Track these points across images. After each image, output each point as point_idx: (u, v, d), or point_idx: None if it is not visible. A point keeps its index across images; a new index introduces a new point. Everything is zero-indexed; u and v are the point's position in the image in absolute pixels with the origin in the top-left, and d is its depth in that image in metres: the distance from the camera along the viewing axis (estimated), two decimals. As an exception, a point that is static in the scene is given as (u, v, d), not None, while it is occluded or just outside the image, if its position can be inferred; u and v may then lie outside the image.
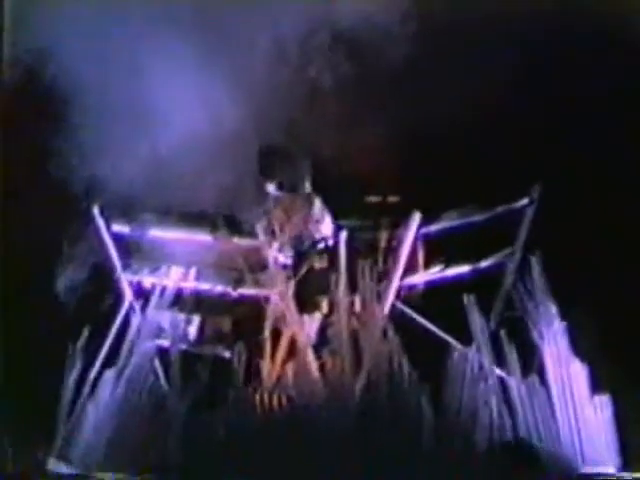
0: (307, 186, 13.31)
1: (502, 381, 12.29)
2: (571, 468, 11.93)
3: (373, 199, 13.49)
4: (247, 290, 13.33)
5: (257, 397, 12.70)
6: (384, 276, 13.07)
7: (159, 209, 13.23)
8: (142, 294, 13.51)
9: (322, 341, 13.07)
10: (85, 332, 12.60)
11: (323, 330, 13.14)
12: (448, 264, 13.18)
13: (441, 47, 12.65)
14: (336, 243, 13.07)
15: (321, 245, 13.24)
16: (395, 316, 12.91)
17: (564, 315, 12.35)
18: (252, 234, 13.07)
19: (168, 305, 13.29)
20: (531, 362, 12.34)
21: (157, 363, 13.08)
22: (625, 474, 11.86)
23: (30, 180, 12.62)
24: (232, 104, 12.61)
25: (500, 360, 12.33)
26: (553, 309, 12.39)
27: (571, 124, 12.72)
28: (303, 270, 13.22)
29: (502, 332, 12.34)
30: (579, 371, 12.20)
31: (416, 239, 12.86)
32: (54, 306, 12.86)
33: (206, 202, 12.97)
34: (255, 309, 13.34)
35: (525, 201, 12.92)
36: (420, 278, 13.29)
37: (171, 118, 12.65)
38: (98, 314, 13.14)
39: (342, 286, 12.79)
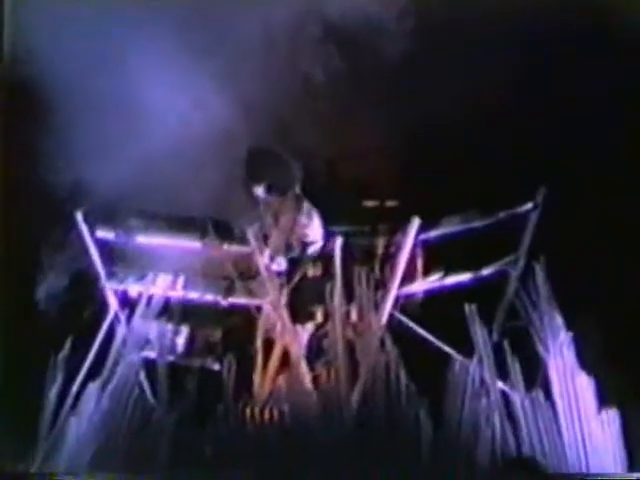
0: (297, 189, 12.95)
1: (505, 395, 11.95)
2: (578, 486, 11.74)
3: (370, 203, 13.29)
4: (238, 299, 13.05)
5: (248, 411, 12.40)
6: (381, 284, 12.82)
7: (146, 214, 12.97)
8: (127, 303, 13.21)
9: (316, 352, 12.85)
10: (68, 343, 12.23)
11: (317, 341, 12.90)
12: (448, 272, 12.96)
13: (440, 44, 12.46)
14: (331, 250, 12.84)
15: (310, 249, 12.97)
16: (393, 326, 12.66)
17: (570, 325, 12.05)
18: (243, 240, 12.73)
19: (155, 315, 12.96)
20: (535, 375, 12.04)
21: (143, 376, 12.72)
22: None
23: (10, 183, 12.22)
24: (222, 105, 12.39)
25: (503, 373, 12.00)
26: (558, 319, 12.08)
27: (577, 125, 12.55)
28: (296, 278, 12.97)
29: (505, 343, 12.02)
30: (586, 384, 11.86)
31: (415, 245, 12.55)
32: (34, 315, 12.70)
33: (195, 207, 12.73)
34: (246, 319, 13.12)
35: (529, 206, 12.69)
36: (419, 286, 13.06)
37: (159, 120, 12.39)
38: (81, 324, 12.91)
39: (337, 295, 12.52)
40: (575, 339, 12.02)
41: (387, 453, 11.50)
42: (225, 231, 12.91)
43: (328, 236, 13.05)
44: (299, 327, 12.87)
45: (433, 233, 12.57)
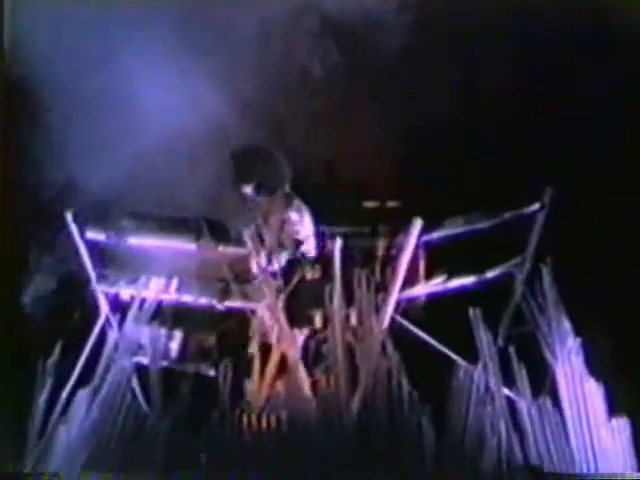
0: (287, 187, 12.73)
1: (511, 402, 11.81)
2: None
3: (370, 204, 13.11)
4: (234, 303, 12.82)
5: (244, 418, 12.28)
6: (382, 287, 12.61)
7: (138, 215, 12.76)
8: (119, 307, 13.00)
9: (315, 357, 12.65)
10: (57, 348, 12.10)
11: (316, 345, 12.69)
12: (452, 275, 12.76)
13: (440, 38, 12.44)
14: (330, 251, 12.60)
15: (303, 247, 12.78)
16: (394, 331, 12.48)
17: (578, 331, 11.92)
18: (239, 242, 12.56)
19: (147, 319, 12.79)
20: (542, 381, 11.88)
21: (135, 382, 12.62)
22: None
23: (-2, 182, 12.25)
24: (216, 102, 12.31)
25: (508, 379, 11.85)
26: (566, 324, 11.94)
27: (585, 122, 12.45)
28: (294, 281, 12.73)
29: (511, 349, 11.87)
30: (595, 391, 11.70)
31: (417, 247, 12.32)
32: (21, 319, 12.58)
33: (189, 207, 12.60)
34: (242, 323, 12.97)
35: (535, 206, 12.49)
36: (421, 290, 12.85)
37: (152, 119, 12.28)
38: (71, 329, 12.77)
39: (337, 298, 12.36)
40: (584, 344, 11.88)
41: (388, 462, 11.38)
42: (220, 232, 12.73)
43: (327, 237, 12.85)
44: (297, 331, 12.64)
45: (436, 234, 12.39)
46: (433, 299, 12.95)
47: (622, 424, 11.63)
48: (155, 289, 13.04)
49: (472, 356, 12.03)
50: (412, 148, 12.54)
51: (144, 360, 12.73)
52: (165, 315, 13.10)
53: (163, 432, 11.93)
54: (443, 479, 11.46)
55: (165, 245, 12.87)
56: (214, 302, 12.90)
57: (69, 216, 12.50)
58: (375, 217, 13.01)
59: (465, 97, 12.32)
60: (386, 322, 12.50)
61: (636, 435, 11.59)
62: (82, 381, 12.32)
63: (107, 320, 13.03)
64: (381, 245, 12.83)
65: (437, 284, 12.85)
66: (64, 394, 12.19)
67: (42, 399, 11.98)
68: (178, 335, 13.28)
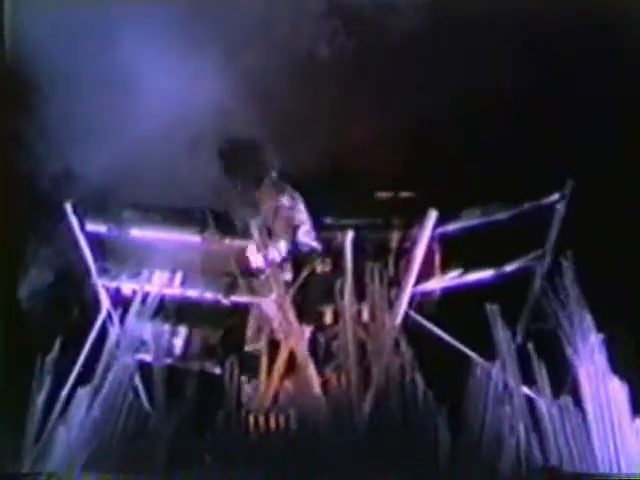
0: (273, 175, 12.63)
1: (530, 401, 11.58)
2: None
3: (383, 195, 12.93)
4: (240, 297, 12.66)
5: (251, 418, 12.12)
6: (395, 281, 12.47)
7: (140, 206, 12.67)
8: (121, 302, 12.88)
9: (325, 355, 12.47)
10: (56, 345, 11.88)
11: (326, 342, 12.52)
12: (468, 268, 12.57)
13: (457, 19, 12.28)
14: (341, 244, 12.45)
15: (300, 231, 12.57)
16: (408, 327, 12.31)
17: (601, 327, 11.63)
18: (246, 234, 12.38)
19: (150, 315, 12.62)
20: (563, 380, 11.64)
21: (138, 380, 12.52)
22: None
23: (-7, 172, 12.11)
24: (220, 87, 12.17)
25: (528, 378, 11.62)
26: (589, 320, 11.64)
27: (607, 109, 12.28)
28: (303, 274, 12.58)
29: (530, 346, 11.59)
30: (618, 390, 11.40)
31: (432, 240, 12.16)
32: (17, 314, 12.45)
33: (193, 198, 12.54)
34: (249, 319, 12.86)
35: (556, 197, 12.35)
36: (436, 284, 12.68)
37: (154, 104, 12.22)
38: (71, 324, 12.67)
39: (348, 293, 12.18)
40: (607, 341, 11.62)
41: (402, 463, 11.19)
42: (226, 224, 12.62)
43: (337, 230, 12.70)
44: (306, 327, 12.46)
45: (452, 226, 12.23)
46: (449, 294, 12.77)
47: (647, 424, 11.62)
48: (158, 283, 12.90)
49: (489, 353, 11.80)
50: (426, 135, 12.35)
51: (147, 357, 12.60)
52: (169, 310, 12.99)
53: (166, 432, 11.79)
54: (459, 480, 11.45)
55: (168, 237, 12.75)
56: (220, 297, 12.74)
57: (68, 207, 12.39)
58: (388, 208, 12.86)
59: (482, 83, 12.09)
60: (399, 318, 12.32)
61: (662, 436, 11.51)
62: (82, 379, 12.18)
63: (108, 316, 12.92)
64: (394, 237, 12.70)
65: (453, 278, 12.69)
66: (63, 393, 12.05)
67: (40, 398, 11.78)
68: (182, 331, 13.19)
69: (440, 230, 12.16)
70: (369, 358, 12.11)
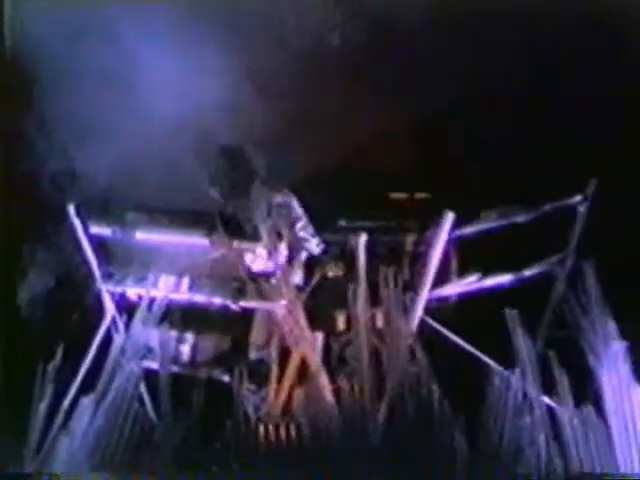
0: (259, 180, 12.69)
1: (551, 412, 11.43)
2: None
3: (397, 196, 12.87)
4: (249, 303, 12.69)
5: (261, 428, 12.06)
6: (411, 286, 12.49)
7: (146, 208, 12.71)
8: (126, 307, 12.92)
9: (338, 362, 12.47)
10: (59, 352, 11.85)
11: (339, 349, 12.53)
12: (486, 272, 12.52)
13: (474, 13, 12.18)
14: (354, 248, 12.43)
15: (298, 226, 12.68)
16: (424, 333, 12.30)
17: (625, 334, 11.50)
18: (255, 237, 12.48)
19: (157, 321, 12.61)
20: (586, 389, 11.53)
21: (143, 388, 12.50)
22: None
23: (-6, 173, 12.15)
24: (227, 86, 12.17)
25: (548, 387, 11.50)
26: (612, 326, 11.53)
27: (632, 108, 12.16)
28: (315, 279, 12.63)
29: (551, 353, 11.52)
30: (643, 400, 11.56)
31: (448, 243, 12.14)
32: (18, 321, 12.43)
33: (201, 200, 12.52)
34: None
35: (578, 198, 12.24)
36: (453, 289, 12.66)
37: (159, 103, 12.20)
38: (74, 331, 12.61)
39: (361, 298, 12.22)
40: (631, 349, 11.48)
41: (417, 475, 11.13)
42: (235, 226, 12.63)
43: (350, 232, 12.66)
44: (318, 334, 12.51)
45: (469, 229, 12.17)
46: (466, 299, 12.73)
47: (673, 435, 11.46)
48: (165, 288, 12.92)
49: (509, 361, 11.71)
50: (443, 134, 12.38)
51: (153, 365, 12.60)
52: (175, 316, 12.99)
53: (173, 443, 11.71)
54: (477, 495, 11.34)
55: (175, 240, 12.78)
56: (228, 302, 12.76)
57: (71, 209, 12.39)
58: (402, 210, 12.82)
59: (502, 78, 12.03)
60: (415, 324, 12.35)
61: (687, 448, 11.36)
62: (85, 387, 12.11)
63: (113, 322, 12.96)
64: (409, 240, 12.67)
65: (470, 283, 12.63)
66: (66, 401, 12.02)
67: (42, 407, 11.74)
68: (189, 338, 13.22)
69: (457, 233, 12.09)
70: (383, 365, 12.06)
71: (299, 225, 12.63)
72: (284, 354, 12.53)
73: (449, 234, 12.03)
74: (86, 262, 12.77)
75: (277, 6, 12.42)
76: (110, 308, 12.99)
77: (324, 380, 12.21)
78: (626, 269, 11.82)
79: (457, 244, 12.36)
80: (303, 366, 12.39)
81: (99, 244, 12.76)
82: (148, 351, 12.67)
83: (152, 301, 12.71)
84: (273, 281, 12.47)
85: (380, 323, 12.37)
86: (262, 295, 12.61)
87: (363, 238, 12.33)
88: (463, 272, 12.62)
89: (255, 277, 12.60)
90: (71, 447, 11.61)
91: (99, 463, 11.60)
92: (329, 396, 12.13)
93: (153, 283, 12.94)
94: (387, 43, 12.44)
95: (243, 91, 12.18)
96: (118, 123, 12.15)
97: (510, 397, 11.56)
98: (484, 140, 12.30)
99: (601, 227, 12.13)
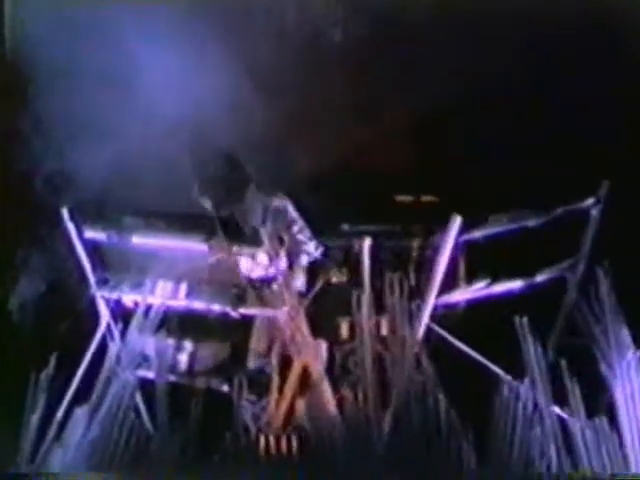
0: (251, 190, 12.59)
1: (562, 423, 11.34)
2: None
3: (402, 199, 12.77)
4: (250, 310, 12.59)
5: (262, 439, 12.03)
6: (417, 293, 12.37)
7: (142, 211, 12.62)
8: (121, 314, 12.83)
9: (341, 371, 12.35)
10: (51, 361, 11.73)
11: (343, 358, 12.40)
12: (495, 278, 12.38)
13: (475, 11, 12.12)
14: (358, 253, 12.36)
15: (295, 229, 12.56)
16: (430, 341, 12.20)
17: (639, 342, 11.51)
18: (256, 241, 12.37)
19: (153, 328, 12.53)
20: (598, 400, 11.46)
21: (139, 398, 12.42)
22: None
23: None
24: (226, 84, 12.00)
25: (560, 397, 11.39)
26: (626, 335, 11.49)
27: None
28: (318, 285, 12.50)
29: (562, 362, 11.34)
30: (658, 411, 11.43)
31: (456, 247, 12.02)
32: (9, 327, 12.31)
33: (199, 203, 12.33)
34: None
35: (590, 200, 12.13)
36: (461, 295, 12.53)
37: (157, 102, 12.05)
38: (67, 339, 12.44)
39: (365, 305, 12.14)
40: None
41: None
42: (234, 231, 12.52)
43: (353, 237, 12.58)
44: (321, 342, 12.39)
45: (477, 233, 12.06)
46: (474, 306, 12.59)
47: (688, 448, 11.33)
48: (162, 294, 12.83)
49: (518, 370, 11.60)
50: (450, 134, 12.29)
51: (149, 374, 12.48)
52: (173, 324, 12.87)
53: (170, 455, 11.62)
54: (486, 509, 11.20)
55: (173, 245, 12.69)
56: (228, 309, 12.65)
57: (65, 212, 12.33)
58: (408, 213, 12.71)
59: (511, 81, 11.98)
60: (421, 332, 12.23)
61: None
62: (79, 397, 12.07)
63: (108, 329, 12.84)
64: (415, 245, 12.56)
65: (479, 289, 12.51)
66: (59, 412, 11.95)
67: (35, 417, 11.64)
68: (187, 346, 13.11)
69: (465, 237, 11.99)
70: (388, 375, 11.98)
71: (295, 228, 12.54)
72: (285, 363, 12.42)
73: (457, 238, 11.92)
74: (80, 267, 12.67)
75: (278, 1, 12.37)
76: (105, 315, 12.88)
77: (327, 390, 12.11)
78: (641, 275, 11.82)
79: (465, 249, 12.25)
80: (305, 375, 12.28)
81: (94, 249, 12.67)
82: (144, 360, 12.56)
83: (149, 308, 12.61)
84: (274, 287, 12.38)
85: (385, 330, 12.26)
86: (263, 301, 12.52)
87: (367, 242, 12.25)
88: (471, 278, 12.51)
89: (256, 283, 12.51)
90: (65, 459, 11.56)
91: (94, 476, 11.54)
92: (332, 406, 12.05)
93: (150, 289, 12.80)
94: (389, 39, 12.33)
95: (243, 89, 12.05)
96: (115, 124, 12.00)
97: (520, 407, 11.46)
98: (493, 141, 12.16)
99: (614, 231, 12.00)
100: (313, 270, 12.63)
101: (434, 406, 11.52)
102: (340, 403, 12.12)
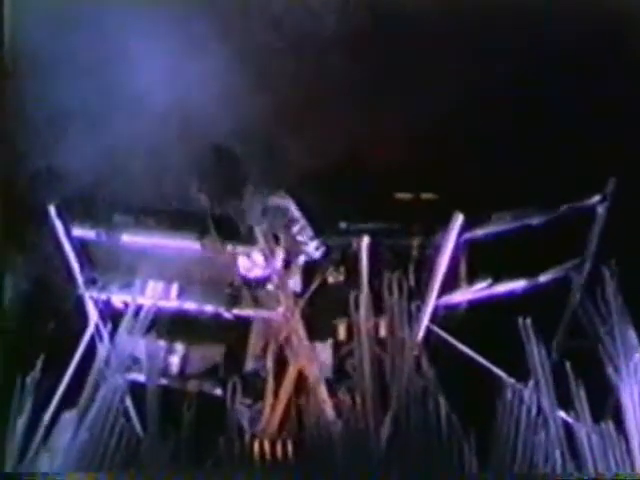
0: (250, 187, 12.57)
1: (567, 427, 11.27)
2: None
3: (402, 196, 12.67)
4: (244, 311, 12.51)
5: (256, 445, 11.89)
6: (417, 293, 12.29)
7: (132, 208, 12.51)
8: (111, 315, 12.72)
9: (339, 374, 12.25)
10: (38, 364, 11.62)
11: (340, 361, 12.31)
12: (498, 278, 12.30)
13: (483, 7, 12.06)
14: (356, 252, 12.30)
15: (295, 228, 12.51)
16: (430, 343, 12.13)
17: None
18: (250, 240, 12.26)
19: (144, 330, 12.44)
20: (605, 403, 11.44)
21: (129, 402, 12.28)
22: None
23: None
24: (220, 76, 12.02)
25: (565, 400, 11.33)
26: (632, 336, 11.45)
27: None
28: (314, 285, 12.42)
29: (567, 365, 11.29)
30: (666, 415, 11.38)
31: (457, 247, 11.91)
32: None
33: (192, 200, 12.38)
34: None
35: (596, 198, 12.01)
36: (462, 296, 12.44)
37: (147, 95, 12.09)
38: (54, 341, 12.36)
39: (364, 305, 12.07)
40: None
41: None
42: (228, 229, 12.43)
43: (351, 235, 12.51)
44: (318, 344, 12.33)
45: (479, 232, 11.95)
46: (476, 307, 12.51)
47: (697, 453, 11.28)
48: (152, 295, 12.74)
49: (522, 373, 11.58)
50: (451, 130, 12.17)
51: (139, 377, 12.41)
52: (164, 325, 12.75)
53: (161, 460, 11.50)
54: (489, 517, 11.12)
55: (164, 243, 12.56)
56: (221, 310, 12.58)
57: (52, 210, 12.16)
58: (408, 211, 12.62)
59: (515, 72, 11.93)
60: (421, 333, 12.15)
61: None
62: (67, 401, 11.99)
63: (96, 331, 12.70)
64: (415, 244, 12.46)
65: (481, 289, 12.42)
66: (46, 416, 11.82)
67: (21, 422, 11.48)
68: (179, 348, 13.01)
69: (467, 236, 11.89)
70: (387, 378, 11.88)
71: (296, 228, 12.47)
72: (281, 365, 12.33)
73: (458, 237, 11.82)
74: (68, 266, 12.54)
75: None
76: (94, 316, 12.76)
77: (324, 393, 12.00)
78: (648, 275, 11.76)
79: (467, 248, 12.16)
80: (301, 378, 12.20)
81: (82, 247, 12.54)
82: (134, 362, 12.48)
83: (139, 309, 12.54)
84: (269, 287, 12.33)
85: (384, 332, 12.16)
86: (257, 302, 12.45)
87: (366, 241, 12.17)
88: (473, 278, 12.41)
89: (250, 283, 12.42)
90: (52, 465, 11.45)
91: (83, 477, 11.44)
92: (329, 410, 11.93)
93: (140, 289, 12.74)
94: (387, 29, 12.30)
95: (237, 80, 12.00)
96: (105, 119, 12.00)
97: (523, 411, 11.42)
98: (496, 137, 12.13)
99: (621, 229, 11.94)
100: (309, 269, 12.54)
101: (435, 410, 11.43)
102: (338, 407, 11.98)
